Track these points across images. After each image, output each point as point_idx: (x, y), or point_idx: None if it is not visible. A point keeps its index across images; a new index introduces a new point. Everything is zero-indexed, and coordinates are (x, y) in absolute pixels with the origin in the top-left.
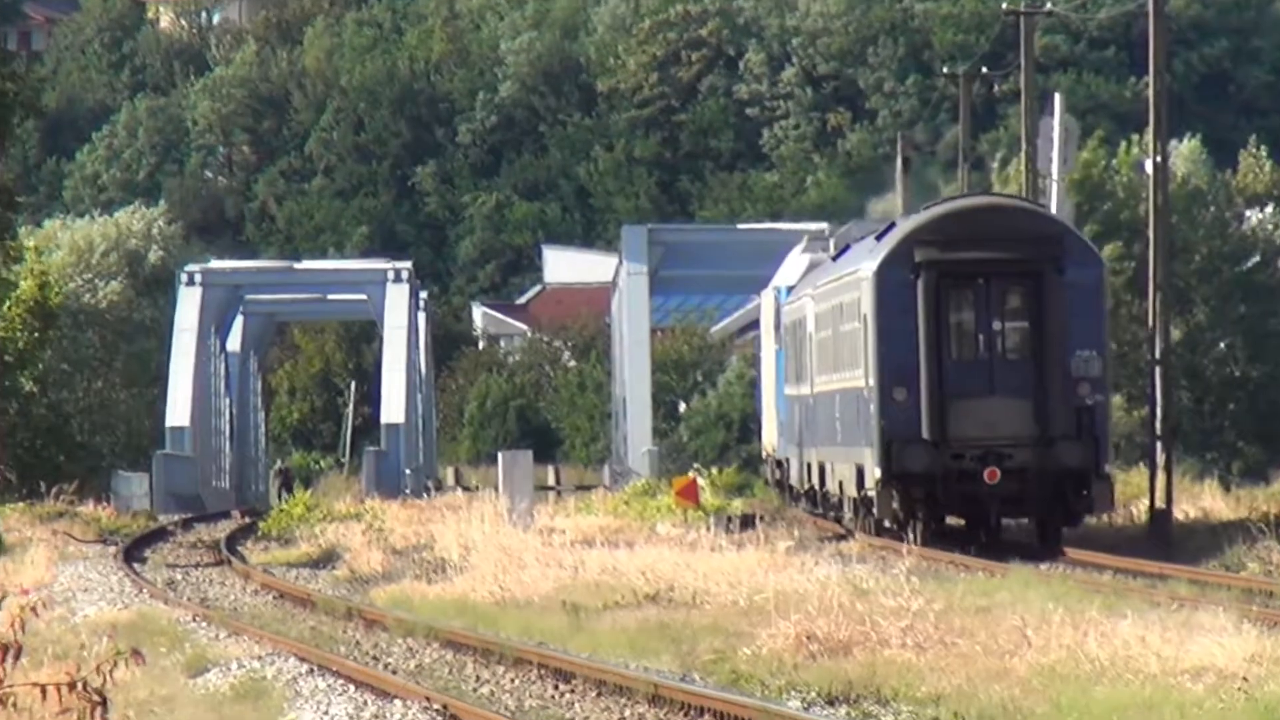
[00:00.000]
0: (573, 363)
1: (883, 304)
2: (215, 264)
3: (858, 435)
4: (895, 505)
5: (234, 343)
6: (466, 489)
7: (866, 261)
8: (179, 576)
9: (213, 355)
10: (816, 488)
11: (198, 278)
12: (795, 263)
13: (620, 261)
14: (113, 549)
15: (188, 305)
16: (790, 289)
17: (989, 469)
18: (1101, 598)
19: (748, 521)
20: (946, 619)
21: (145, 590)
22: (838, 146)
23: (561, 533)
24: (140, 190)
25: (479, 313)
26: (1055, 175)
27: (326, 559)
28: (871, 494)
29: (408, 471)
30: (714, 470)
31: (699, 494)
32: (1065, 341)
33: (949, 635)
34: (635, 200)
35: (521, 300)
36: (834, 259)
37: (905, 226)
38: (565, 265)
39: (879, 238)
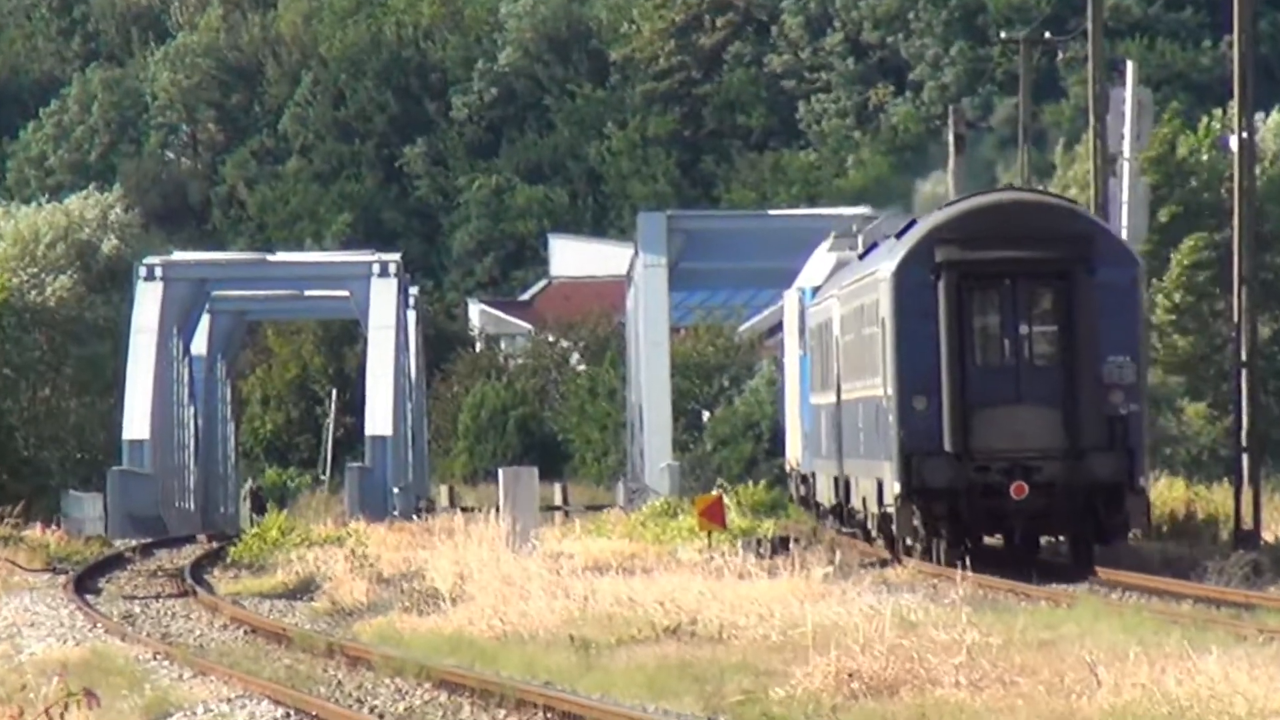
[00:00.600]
0: (582, 367)
1: (902, 307)
2: (178, 256)
3: (877, 447)
4: (916, 523)
5: (199, 345)
6: (463, 510)
7: (885, 262)
8: (137, 609)
9: (175, 359)
10: (843, 504)
11: (158, 272)
12: (821, 261)
13: (636, 253)
14: (62, 578)
15: (147, 303)
16: (816, 290)
17: (1016, 483)
18: (1181, 630)
19: (780, 545)
20: (1006, 655)
21: (99, 625)
22: (881, 122)
23: (570, 558)
24: (93, 173)
25: (476, 310)
26: (1127, 153)
27: (304, 589)
28: (890, 510)
29: (396, 490)
30: (742, 488)
31: (725, 514)
32: (1097, 347)
33: (1008, 673)
34: (653, 184)
35: (524, 296)
36: (860, 257)
37: (926, 224)
38: (574, 257)
39: (899, 236)
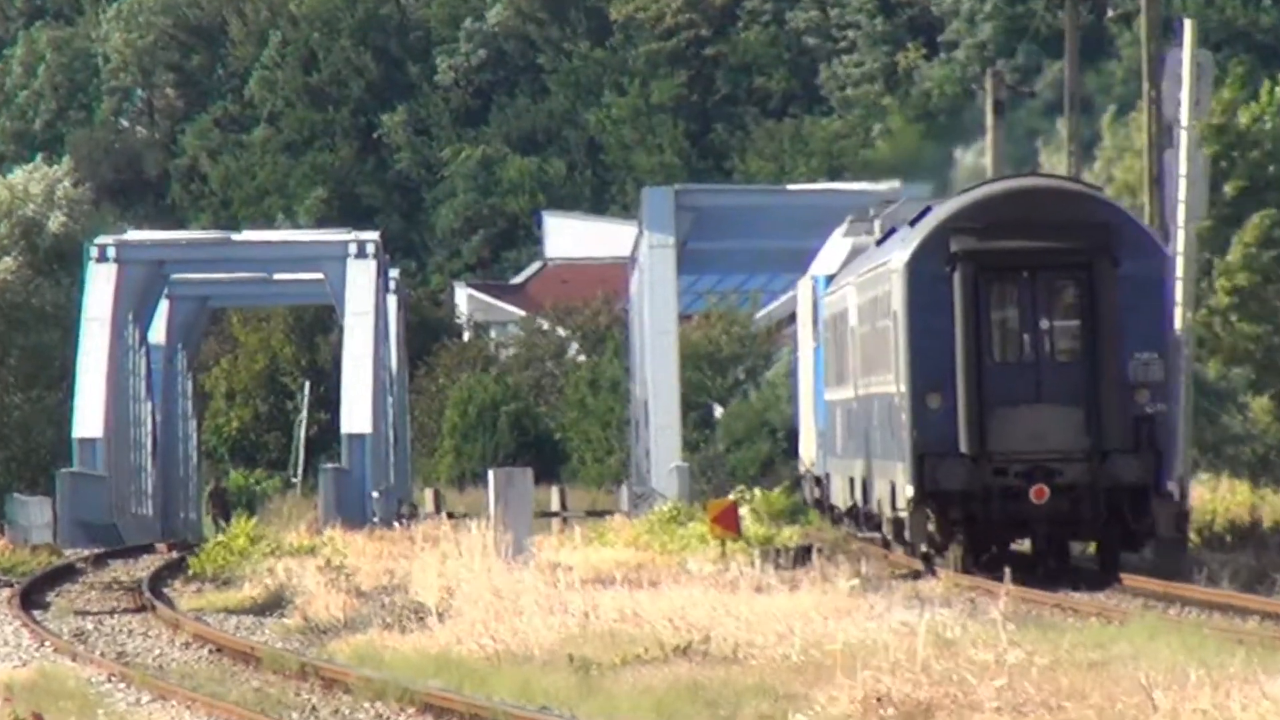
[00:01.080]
0: (581, 358)
1: (915, 299)
2: (133, 235)
3: (890, 448)
4: (930, 528)
5: (157, 334)
6: (450, 516)
7: (898, 251)
8: (90, 626)
9: (131, 349)
10: (859, 507)
11: (111, 253)
12: (837, 247)
13: (640, 232)
14: (6, 592)
15: (99, 287)
16: (831, 278)
17: (1036, 486)
18: (1246, 650)
19: (801, 555)
20: (1052, 676)
21: (48, 643)
22: (912, 86)
23: (568, 570)
24: (39, 144)
25: (463, 295)
26: (1184, 122)
27: (274, 604)
28: (903, 514)
29: (375, 494)
30: (759, 492)
31: (740, 521)
32: (1122, 342)
33: (1055, 697)
34: (658, 155)
35: (517, 280)
36: (878, 244)
37: (941, 212)
38: (571, 237)
39: (912, 224)
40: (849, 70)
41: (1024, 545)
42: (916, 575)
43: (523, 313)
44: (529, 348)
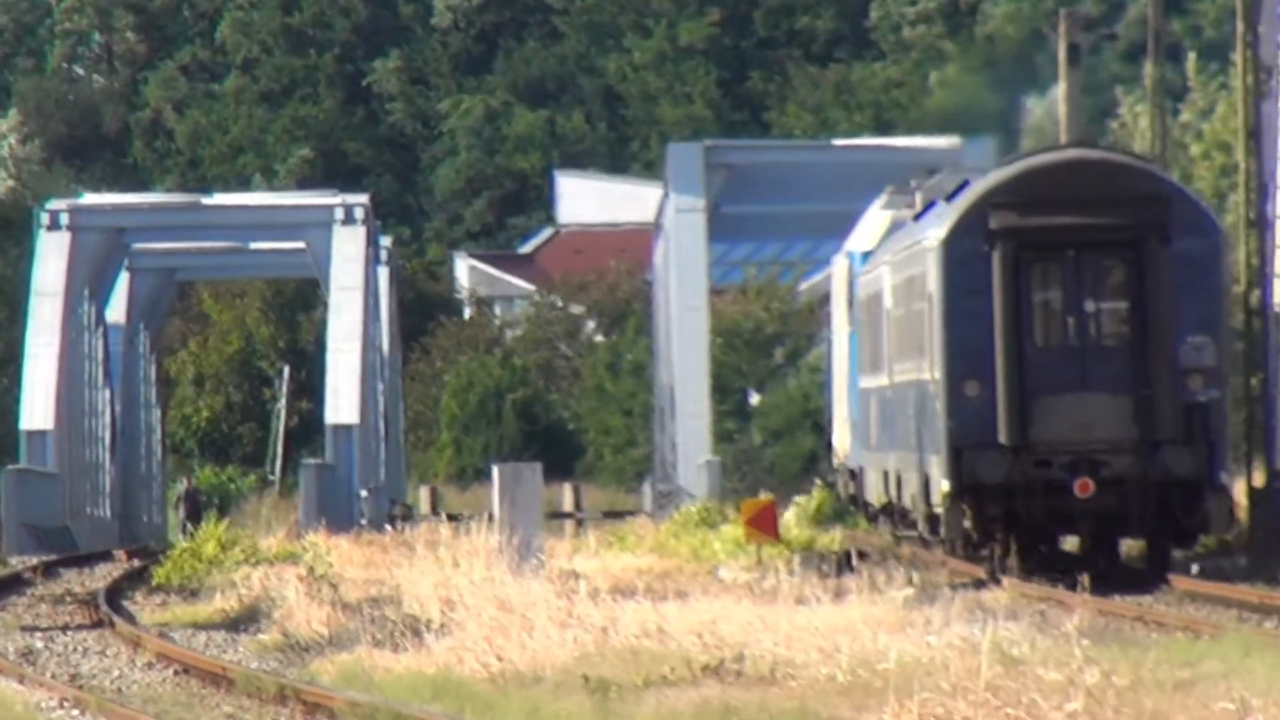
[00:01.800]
0: (599, 337)
1: (951, 280)
2: (89, 199)
3: (924, 438)
4: (967, 524)
5: (117, 312)
6: (449, 518)
7: (933, 229)
8: (40, 644)
9: (86, 329)
10: (894, 503)
11: (64, 219)
12: (873, 221)
13: (665, 194)
14: None
15: (50, 258)
16: (867, 255)
17: (1080, 480)
18: None
19: (848, 562)
20: (1133, 699)
21: None
22: (974, 29)
23: (584, 579)
24: None
25: (464, 267)
26: None
27: (249, 618)
28: (939, 510)
29: (364, 494)
30: (804, 499)
31: (778, 523)
32: (1173, 326)
33: None
34: (686, 106)
35: (525, 249)
36: (916, 219)
37: (980, 186)
38: (587, 200)
39: (949, 199)
40: (903, 9)
41: (1071, 544)
42: (979, 584)
43: (532, 286)
44: (539, 326)
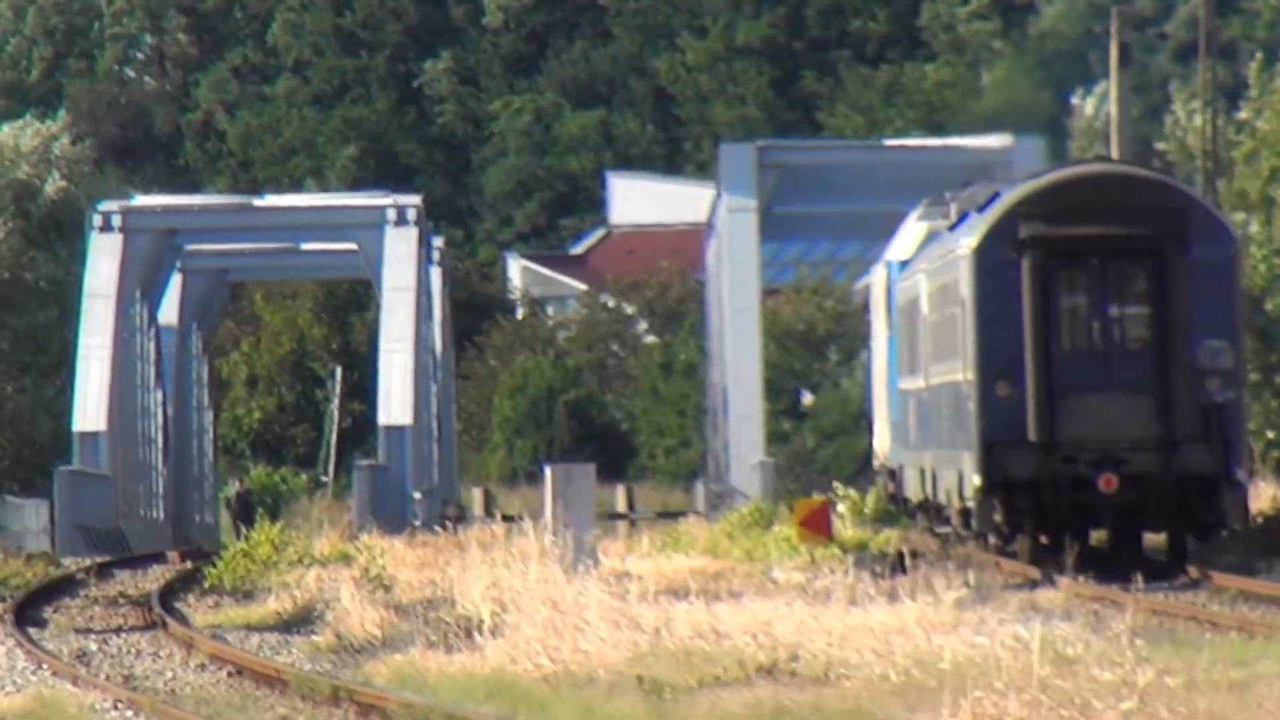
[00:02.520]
0: (651, 338)
1: (983, 286)
2: (141, 201)
3: (957, 436)
4: (998, 518)
5: (169, 313)
6: (502, 518)
7: (966, 238)
8: (93, 646)
9: (139, 331)
10: (930, 499)
11: (116, 221)
12: (911, 232)
13: (718, 195)
14: None
15: (103, 260)
16: (905, 264)
17: (1104, 475)
18: None
19: (901, 562)
20: (1187, 699)
21: (46, 666)
22: (1027, 28)
23: (638, 579)
24: (33, 98)
25: (517, 268)
26: None
27: (302, 619)
28: (971, 504)
29: (417, 495)
30: (854, 493)
31: (831, 524)
32: (1192, 329)
33: None
34: (739, 107)
35: (577, 250)
36: (950, 229)
37: (1009, 197)
38: (639, 200)
39: (981, 210)
40: (955, 8)
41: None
42: (1033, 584)
43: (584, 286)
44: (591, 327)
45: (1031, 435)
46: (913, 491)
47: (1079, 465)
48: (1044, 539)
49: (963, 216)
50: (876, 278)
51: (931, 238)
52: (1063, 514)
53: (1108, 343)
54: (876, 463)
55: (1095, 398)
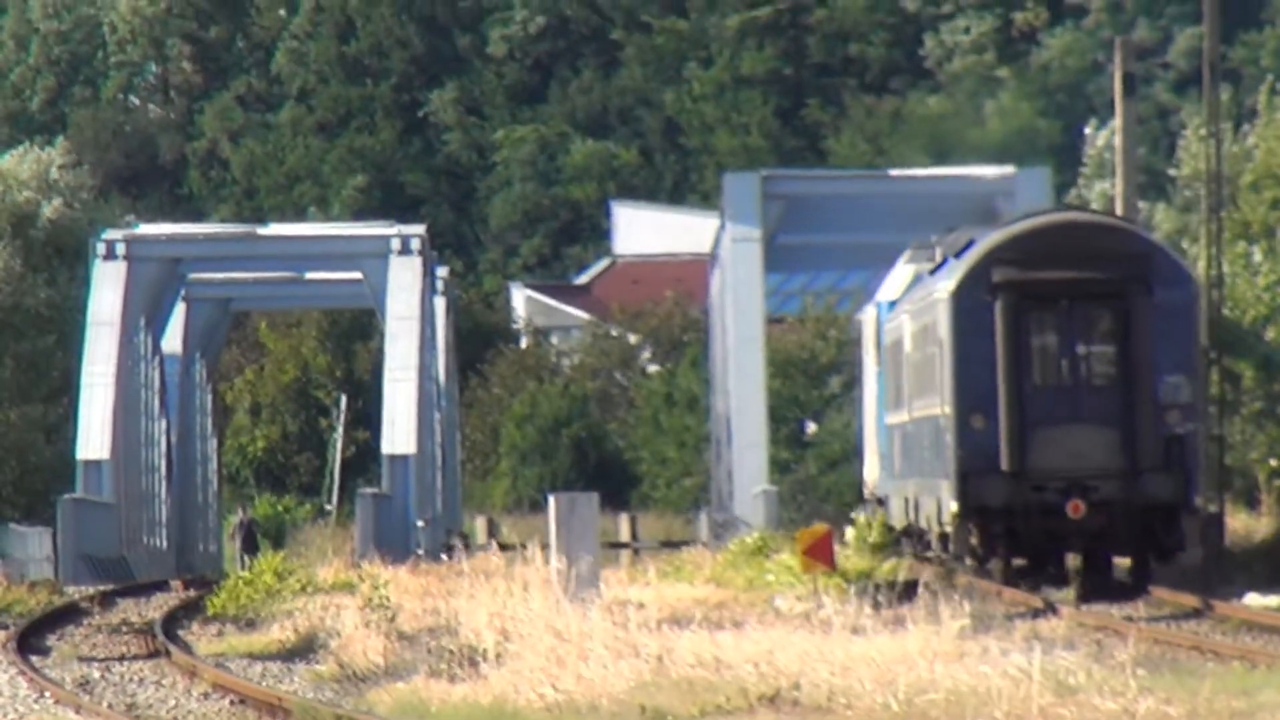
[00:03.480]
0: (655, 367)
1: (959, 327)
2: (145, 229)
3: (936, 466)
4: (973, 541)
5: (173, 341)
6: (505, 547)
7: (944, 281)
8: (96, 674)
9: (143, 359)
10: (913, 525)
11: (120, 249)
12: (899, 274)
13: (722, 224)
14: (1, 635)
15: (106, 288)
16: (892, 305)
17: (1072, 502)
18: None
19: (904, 591)
20: None
21: (49, 694)
22: (1030, 58)
23: (640, 608)
24: (36, 126)
25: (521, 297)
26: None
27: (306, 648)
28: (949, 529)
29: (420, 524)
30: (860, 518)
31: (834, 553)
32: (1154, 367)
33: None
34: (743, 136)
35: (581, 280)
36: (931, 273)
37: (984, 244)
38: (643, 230)
39: (958, 255)
40: (957, 38)
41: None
42: (1035, 614)
43: (588, 317)
44: (596, 356)
45: (1004, 465)
46: (897, 519)
47: (1048, 493)
48: (1018, 561)
49: (942, 262)
50: (867, 317)
51: (917, 280)
52: (1033, 538)
53: (1075, 379)
54: (866, 492)
55: (1064, 430)
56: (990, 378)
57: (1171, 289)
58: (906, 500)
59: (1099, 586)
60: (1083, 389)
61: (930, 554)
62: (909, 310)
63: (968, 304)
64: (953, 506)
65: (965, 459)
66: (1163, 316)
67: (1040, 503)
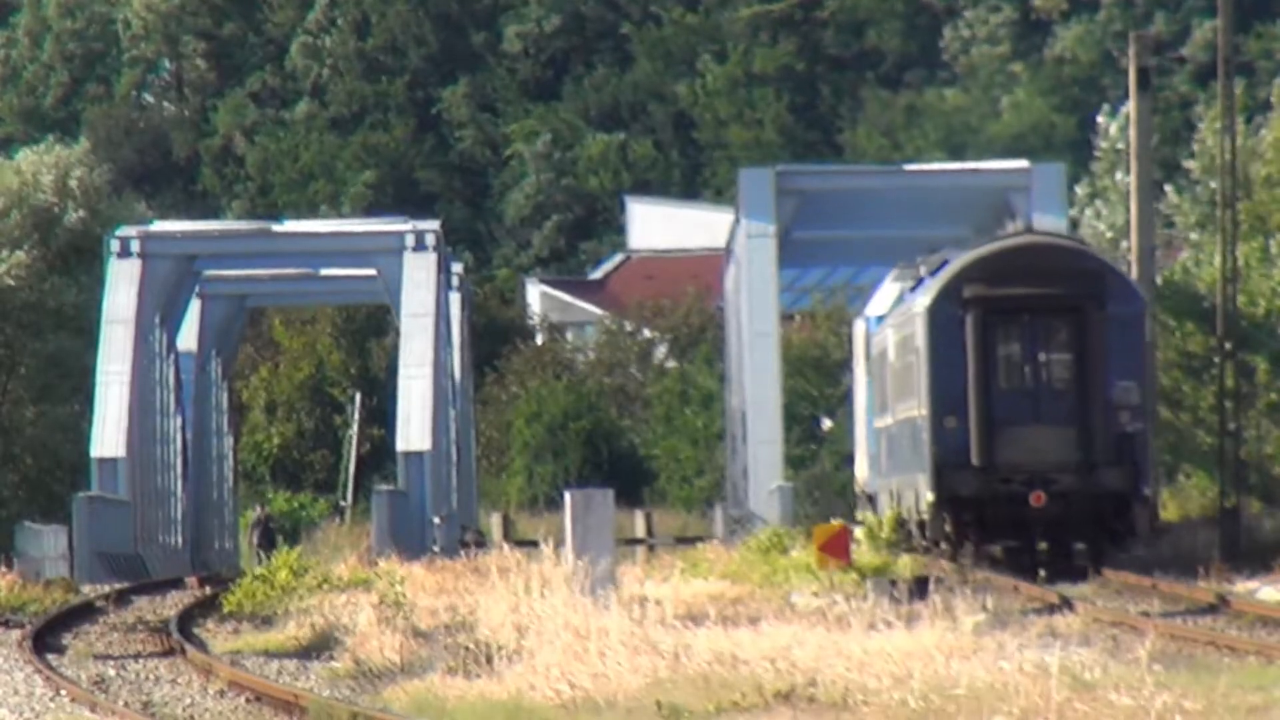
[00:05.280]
0: (670, 363)
1: (935, 338)
2: (159, 226)
3: (915, 462)
4: (947, 528)
5: (188, 339)
6: (520, 544)
7: (920, 298)
8: (112, 672)
9: (158, 356)
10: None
11: (135, 246)
12: (886, 292)
13: (737, 220)
14: (17, 633)
15: (121, 285)
16: (880, 319)
17: (1035, 493)
18: None
19: (920, 587)
20: None
21: (64, 692)
22: (1044, 52)
23: (656, 604)
24: (50, 123)
25: (536, 293)
26: None
27: (321, 645)
28: (925, 517)
29: (436, 520)
30: (873, 516)
31: (850, 548)
32: (1106, 372)
33: None
34: (758, 130)
35: (596, 275)
36: (912, 290)
37: (956, 264)
38: (657, 225)
39: (933, 274)
40: (973, 30)
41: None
42: (1051, 609)
43: (602, 312)
44: (610, 352)
45: (974, 460)
46: (885, 511)
47: (1013, 484)
48: (988, 546)
49: (920, 280)
50: (857, 330)
51: (901, 297)
52: (1000, 525)
53: (1037, 383)
54: (857, 489)
55: (1027, 429)
56: (962, 383)
57: (1122, 303)
58: (891, 494)
59: (1062, 569)
60: (1044, 392)
61: (912, 541)
62: (892, 324)
63: (941, 317)
64: (929, 497)
65: (940, 455)
66: (1114, 328)
67: (1006, 493)
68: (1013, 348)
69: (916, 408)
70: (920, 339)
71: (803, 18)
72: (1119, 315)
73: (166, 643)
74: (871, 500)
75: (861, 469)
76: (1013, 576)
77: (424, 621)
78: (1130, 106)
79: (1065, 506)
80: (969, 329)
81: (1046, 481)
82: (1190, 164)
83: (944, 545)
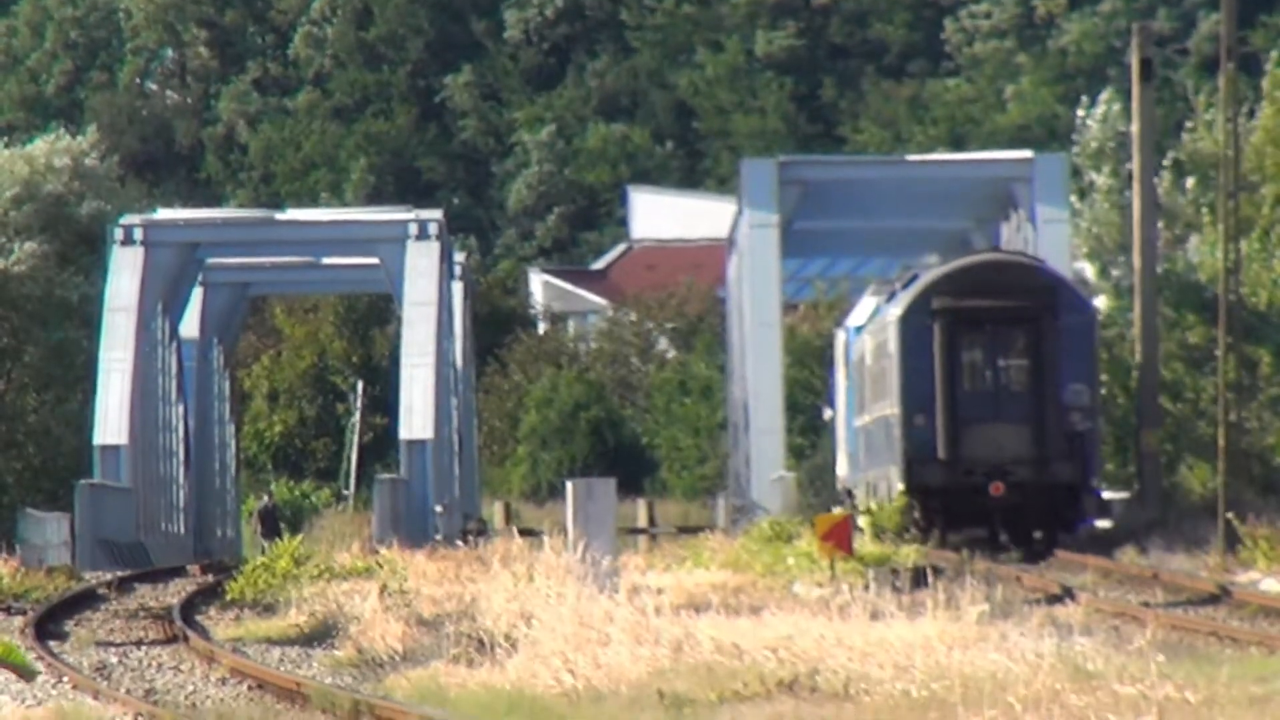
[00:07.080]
0: (672, 353)
1: (906, 344)
2: (162, 214)
3: (887, 455)
4: (915, 515)
5: (190, 326)
6: (523, 533)
7: (893, 309)
8: (114, 659)
9: (160, 344)
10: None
11: (138, 234)
12: (865, 304)
13: (739, 210)
14: (19, 620)
15: (124, 273)
16: (859, 329)
17: (994, 484)
18: None
19: (922, 577)
20: (1207, 714)
21: (67, 679)
22: (1048, 44)
23: (658, 594)
24: (53, 111)
25: (538, 282)
26: None
27: (323, 633)
28: (897, 505)
29: (438, 509)
30: (874, 505)
31: (852, 538)
32: (1059, 377)
33: None
34: (760, 119)
35: (598, 265)
36: (887, 302)
37: (926, 279)
38: (660, 215)
39: (904, 287)
40: (977, 21)
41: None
42: (1052, 600)
43: (605, 302)
44: (612, 342)
45: (940, 454)
46: (861, 503)
47: (975, 476)
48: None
49: (894, 292)
50: (838, 338)
51: (878, 309)
52: (963, 512)
53: (997, 385)
54: (839, 485)
55: (988, 426)
56: (930, 384)
57: (1073, 314)
58: (868, 486)
59: (1024, 551)
60: (1003, 394)
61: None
62: (869, 331)
63: (912, 326)
64: (900, 487)
65: (910, 449)
66: (1067, 336)
67: (969, 484)
68: (975, 354)
69: (889, 407)
70: (893, 345)
71: (803, 3)
72: (1071, 325)
73: (169, 630)
74: (850, 494)
75: (842, 467)
76: (983, 559)
77: (426, 610)
78: (1134, 97)
79: (1022, 496)
80: (937, 337)
81: (1005, 474)
82: (1181, 156)
83: (913, 531)
